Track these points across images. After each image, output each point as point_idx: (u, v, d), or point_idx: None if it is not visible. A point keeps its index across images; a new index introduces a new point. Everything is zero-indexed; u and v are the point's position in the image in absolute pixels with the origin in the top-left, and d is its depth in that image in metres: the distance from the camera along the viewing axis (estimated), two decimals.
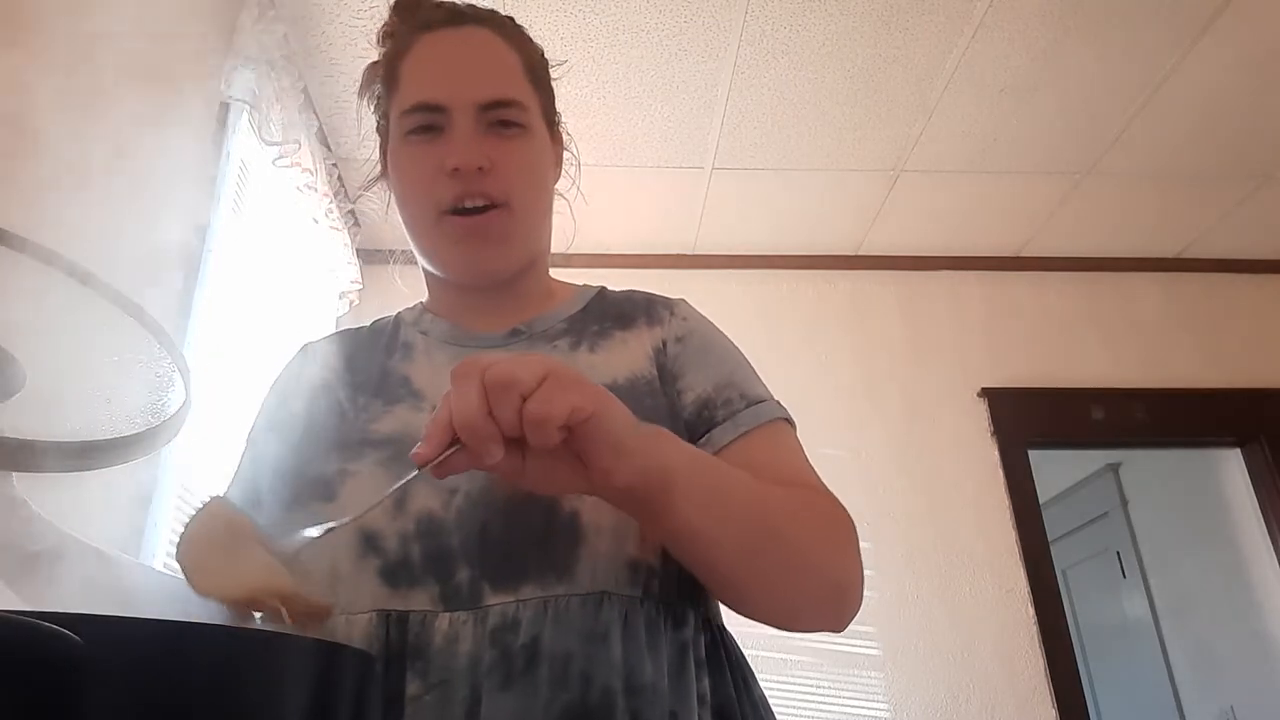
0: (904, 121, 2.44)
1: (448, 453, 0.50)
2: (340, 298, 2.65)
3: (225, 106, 1.80)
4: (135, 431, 0.58)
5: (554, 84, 0.85)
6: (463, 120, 0.73)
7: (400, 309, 0.88)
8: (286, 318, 2.24)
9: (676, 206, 2.80)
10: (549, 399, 0.49)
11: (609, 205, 2.76)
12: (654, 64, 2.23)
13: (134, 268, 1.43)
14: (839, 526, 0.68)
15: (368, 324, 0.87)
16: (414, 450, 0.50)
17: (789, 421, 0.77)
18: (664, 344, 0.78)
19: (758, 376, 0.79)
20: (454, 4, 0.80)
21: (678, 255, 3.01)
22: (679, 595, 0.66)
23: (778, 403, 0.77)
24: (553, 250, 0.86)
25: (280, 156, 2.01)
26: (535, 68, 0.80)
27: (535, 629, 0.60)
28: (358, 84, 0.83)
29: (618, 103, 2.35)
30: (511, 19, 0.83)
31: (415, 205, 0.76)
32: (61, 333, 0.63)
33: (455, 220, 0.74)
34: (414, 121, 0.75)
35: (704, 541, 0.60)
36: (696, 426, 0.73)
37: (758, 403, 0.75)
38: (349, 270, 2.61)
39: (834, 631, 0.68)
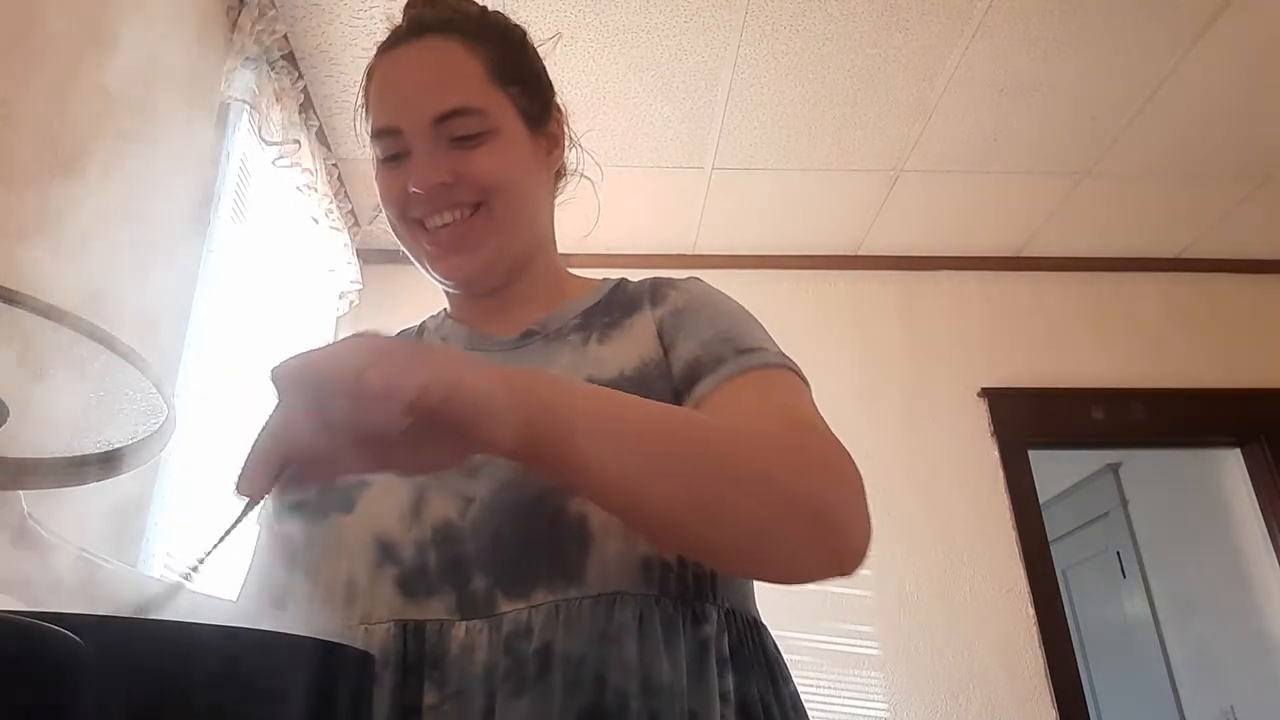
0: (904, 121, 2.44)
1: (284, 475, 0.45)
2: (340, 298, 2.65)
3: (225, 106, 1.80)
4: (117, 447, 0.58)
5: (548, 65, 0.82)
6: (419, 140, 0.72)
7: (408, 312, 0.89)
8: (286, 318, 2.25)
9: (676, 206, 2.80)
10: (385, 391, 0.42)
11: (609, 205, 2.75)
12: (654, 64, 2.23)
13: (134, 267, 1.44)
14: (821, 452, 0.60)
15: (394, 334, 0.86)
16: (237, 484, 0.45)
17: (795, 373, 0.70)
18: (663, 320, 0.75)
19: (765, 333, 0.73)
20: (419, 13, 0.78)
21: (678, 255, 3.00)
22: (698, 592, 0.64)
23: (782, 354, 0.70)
24: (559, 249, 0.85)
25: (280, 156, 2.02)
26: (505, 63, 0.76)
27: (548, 634, 0.59)
28: (358, 84, 0.83)
29: (618, 103, 2.35)
30: (483, 10, 0.80)
31: (397, 227, 0.77)
32: (37, 367, 0.63)
33: (430, 236, 0.75)
34: (381, 148, 0.75)
35: (626, 485, 0.52)
36: (683, 394, 0.67)
37: (751, 351, 0.69)
38: (349, 270, 2.61)
39: (841, 576, 0.59)
